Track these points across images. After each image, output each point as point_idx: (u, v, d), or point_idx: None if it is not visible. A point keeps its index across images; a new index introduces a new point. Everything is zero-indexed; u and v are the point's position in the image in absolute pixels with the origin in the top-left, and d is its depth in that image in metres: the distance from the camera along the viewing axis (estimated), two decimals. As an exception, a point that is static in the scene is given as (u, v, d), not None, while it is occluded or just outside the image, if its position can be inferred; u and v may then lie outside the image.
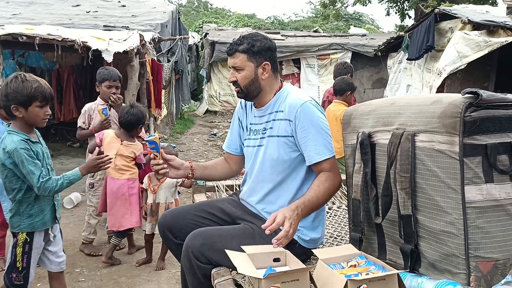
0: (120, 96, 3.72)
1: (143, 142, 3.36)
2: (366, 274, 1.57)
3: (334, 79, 4.86)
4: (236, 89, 2.16)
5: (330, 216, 2.86)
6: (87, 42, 5.16)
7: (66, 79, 8.29)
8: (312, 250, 2.01)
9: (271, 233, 1.77)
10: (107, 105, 3.68)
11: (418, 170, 1.67)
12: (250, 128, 2.28)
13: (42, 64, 8.43)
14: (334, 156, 2.07)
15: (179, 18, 10.79)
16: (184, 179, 3.48)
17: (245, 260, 1.74)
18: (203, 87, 13.90)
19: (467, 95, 1.58)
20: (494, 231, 1.56)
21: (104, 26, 7.40)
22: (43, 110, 2.31)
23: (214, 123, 11.65)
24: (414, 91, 8.83)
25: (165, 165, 2.15)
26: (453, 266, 1.58)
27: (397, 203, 1.74)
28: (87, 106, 3.80)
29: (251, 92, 2.14)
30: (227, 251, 1.78)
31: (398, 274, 1.53)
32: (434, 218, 1.63)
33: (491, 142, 1.57)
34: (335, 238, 2.49)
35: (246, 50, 2.07)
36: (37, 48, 5.09)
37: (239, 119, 2.39)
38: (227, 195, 2.58)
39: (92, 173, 3.69)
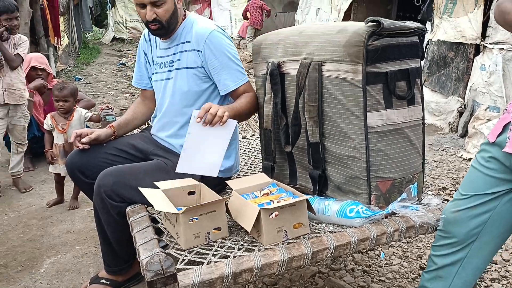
0: (16, 24, 3.37)
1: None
2: (277, 202, 1.64)
3: None
4: (154, 26, 2.00)
5: (243, 145, 2.91)
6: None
7: None
8: (226, 181, 2.05)
9: (201, 120, 1.77)
10: (1, 37, 3.30)
11: (325, 99, 1.72)
12: (157, 61, 2.18)
13: None
14: (249, 81, 2.09)
15: None
16: (91, 114, 3.34)
17: (160, 197, 1.73)
18: (107, 12, 12.92)
19: (370, 23, 1.62)
20: (392, 153, 1.68)
21: None
22: None
23: (122, 51, 11.04)
24: (324, 15, 8.93)
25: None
26: (356, 187, 1.70)
27: (305, 131, 1.80)
28: None
29: (171, 26, 2.03)
30: (141, 189, 1.76)
31: (307, 199, 1.62)
32: (340, 144, 1.71)
33: (391, 70, 1.65)
34: (249, 166, 2.55)
35: None
36: None
37: (144, 53, 2.27)
38: (139, 130, 2.50)
39: None
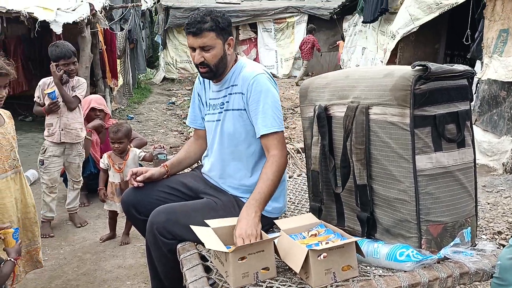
0: (73, 69, 3.60)
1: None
2: (326, 243, 1.65)
3: None
4: (203, 69, 2.10)
5: (290, 185, 2.94)
6: (33, 13, 4.89)
7: (13, 50, 7.86)
8: (274, 220, 2.08)
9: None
10: (61, 80, 3.55)
11: (372, 141, 1.74)
12: (209, 103, 2.28)
13: (-15, 35, 7.97)
14: (283, 131, 2.07)
15: (130, -17, 10.36)
16: (145, 153, 3.49)
17: (211, 235, 1.78)
18: (159, 54, 13.55)
19: (416, 67, 1.65)
20: (443, 196, 1.67)
21: (50, -8, 7.02)
22: None
23: (172, 91, 11.45)
24: (369, 54, 8.96)
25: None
26: (406, 231, 1.69)
27: (353, 173, 1.82)
28: (42, 81, 3.67)
29: (219, 70, 2.11)
30: (192, 226, 1.82)
31: (356, 241, 1.62)
32: (388, 187, 1.72)
33: (439, 113, 1.66)
34: (296, 206, 2.57)
35: (213, 28, 2.01)
36: (-22, 21, 4.81)
37: (198, 94, 2.38)
38: (190, 169, 2.59)
39: (43, 149, 3.61)
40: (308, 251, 1.54)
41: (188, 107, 2.57)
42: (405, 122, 1.63)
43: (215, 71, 2.11)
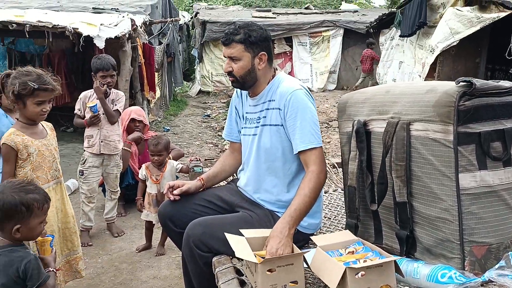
0: (110, 82, 3.68)
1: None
2: (364, 261, 1.61)
3: None
4: (231, 79, 2.16)
5: (326, 200, 2.91)
6: (78, 29, 5.08)
7: (57, 63, 8.18)
8: (310, 236, 2.06)
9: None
10: (101, 96, 3.65)
11: (413, 158, 1.71)
12: (246, 117, 2.29)
13: (32, 48, 8.32)
14: (321, 147, 2.06)
15: (169, -2, 10.63)
16: (182, 165, 3.54)
17: (243, 244, 1.78)
18: (195, 67, 13.79)
19: (461, 83, 1.61)
20: (487, 217, 1.61)
21: (93, 8, 7.27)
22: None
23: (207, 103, 11.60)
24: (407, 68, 8.83)
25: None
26: (448, 251, 1.63)
27: (392, 190, 1.78)
28: (83, 94, 3.80)
29: (246, 82, 2.15)
30: (226, 234, 1.83)
31: (395, 260, 1.58)
32: (429, 205, 1.67)
33: (484, 130, 1.61)
34: (332, 221, 2.54)
35: (243, 40, 2.06)
36: (27, 36, 5.02)
37: (235, 107, 2.40)
38: (225, 182, 2.61)
39: (83, 160, 3.71)
40: (345, 269, 1.51)
41: (223, 120, 2.61)
42: (448, 139, 1.59)
43: (241, 83, 2.15)
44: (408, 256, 1.78)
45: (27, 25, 4.96)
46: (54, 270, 1.94)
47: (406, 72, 8.86)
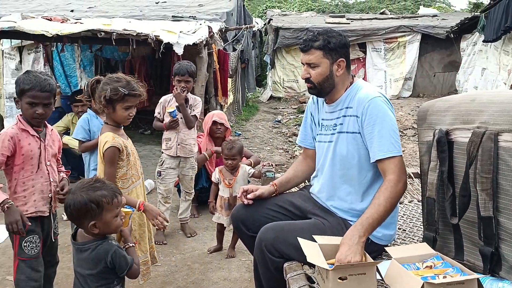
0: (184, 87, 3.78)
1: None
2: (443, 277, 1.55)
3: None
4: (308, 85, 2.16)
5: (401, 211, 2.81)
6: (159, 36, 5.34)
7: (138, 69, 8.65)
8: (384, 247, 2.01)
9: None
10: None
11: (500, 171, 1.61)
12: (322, 123, 2.28)
13: (116, 55, 8.85)
14: (401, 156, 2.00)
15: (243, 5, 10.85)
16: (254, 170, 3.59)
17: (316, 250, 1.78)
18: (267, 73, 13.95)
19: (557, 92, 1.50)
20: None
21: (173, 16, 7.59)
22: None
23: (278, 109, 11.67)
24: (490, 75, 8.34)
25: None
26: (538, 272, 1.52)
27: (476, 204, 1.69)
28: (163, 98, 3.98)
29: (324, 89, 2.14)
30: (299, 239, 1.84)
31: (478, 279, 1.50)
32: (518, 221, 1.57)
33: None
34: (407, 233, 2.45)
35: (321, 46, 2.07)
36: (114, 43, 5.35)
37: (311, 114, 2.40)
38: (297, 188, 2.61)
39: (161, 162, 3.88)
40: (423, 283, 1.46)
41: (294, 126, 2.61)
42: (541, 151, 1.48)
43: (319, 89, 2.14)
44: (492, 275, 1.68)
45: (114, 33, 5.27)
46: (133, 244, 2.07)
47: (489, 79, 8.36)
